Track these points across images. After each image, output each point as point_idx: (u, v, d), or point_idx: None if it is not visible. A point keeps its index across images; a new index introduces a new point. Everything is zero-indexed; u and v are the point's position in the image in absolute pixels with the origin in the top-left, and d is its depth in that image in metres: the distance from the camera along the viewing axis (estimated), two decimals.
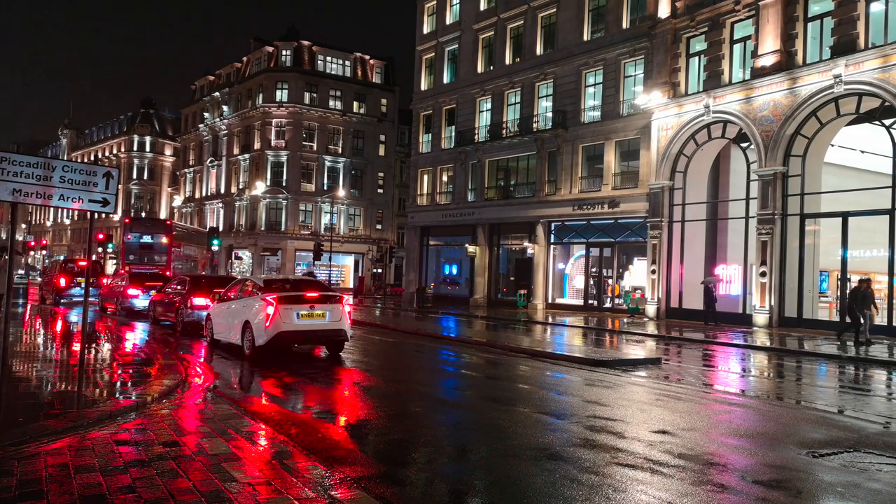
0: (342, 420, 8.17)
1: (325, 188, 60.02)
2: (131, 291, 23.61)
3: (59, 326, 18.26)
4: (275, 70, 60.71)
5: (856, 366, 15.23)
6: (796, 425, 8.51)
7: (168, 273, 22.30)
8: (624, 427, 7.81)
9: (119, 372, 10.55)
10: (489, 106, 37.93)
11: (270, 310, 12.53)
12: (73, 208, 7.56)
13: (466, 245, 37.74)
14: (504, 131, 36.34)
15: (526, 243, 35.75)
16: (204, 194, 69.06)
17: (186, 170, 73.33)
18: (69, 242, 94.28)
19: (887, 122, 21.53)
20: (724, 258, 26.83)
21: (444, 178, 41.33)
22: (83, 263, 28.59)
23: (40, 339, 15.12)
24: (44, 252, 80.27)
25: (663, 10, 27.99)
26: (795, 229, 23.92)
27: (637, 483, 5.69)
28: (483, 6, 38.64)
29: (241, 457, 6.06)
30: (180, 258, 28.17)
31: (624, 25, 30.83)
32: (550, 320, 26.43)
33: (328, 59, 62.75)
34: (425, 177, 42.73)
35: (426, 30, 43.12)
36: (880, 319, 21.29)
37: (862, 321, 18.47)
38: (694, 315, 26.25)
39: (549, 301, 33.98)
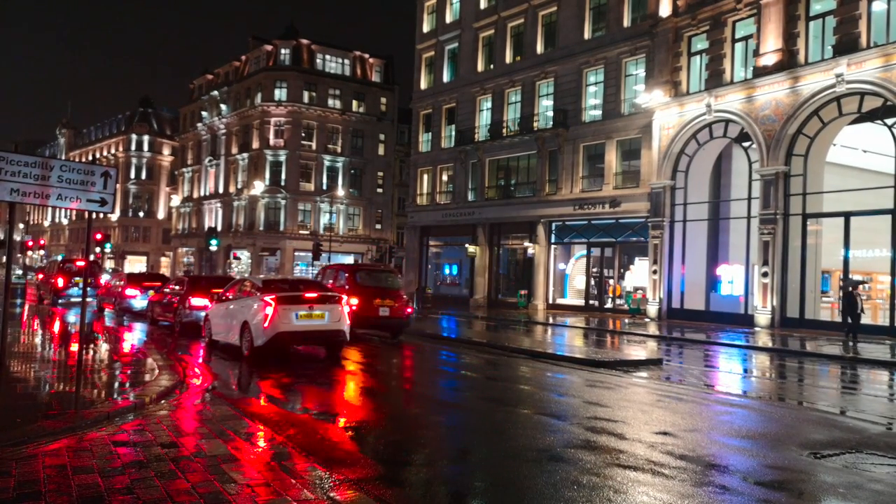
0: (341, 421, 8.12)
1: (324, 188, 59.94)
2: (129, 292, 23.52)
3: (56, 327, 18.21)
4: (273, 69, 60.62)
5: (857, 366, 15.19)
6: (798, 426, 8.48)
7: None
8: (625, 428, 7.77)
9: (117, 373, 10.51)
10: (489, 105, 37.86)
11: (269, 310, 12.46)
12: (71, 208, 7.52)
13: (466, 245, 37.66)
14: (504, 130, 36.28)
15: (526, 243, 35.69)
16: (202, 194, 68.97)
17: (185, 169, 73.25)
18: (67, 242, 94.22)
19: (889, 121, 21.48)
20: (726, 258, 26.78)
21: (444, 178, 41.25)
22: (81, 263, 28.55)
23: (38, 340, 15.07)
24: (41, 252, 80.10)
25: (664, 9, 27.94)
26: (797, 229, 23.86)
27: (638, 484, 5.65)
28: (483, 4, 38.54)
29: (240, 458, 6.02)
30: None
31: (625, 24, 30.77)
32: (551, 321, 26.39)
33: (327, 57, 62.63)
34: (425, 176, 42.66)
35: (426, 28, 43.04)
36: (882, 319, 21.27)
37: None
38: (695, 316, 26.21)
39: (550, 301, 33.92)
